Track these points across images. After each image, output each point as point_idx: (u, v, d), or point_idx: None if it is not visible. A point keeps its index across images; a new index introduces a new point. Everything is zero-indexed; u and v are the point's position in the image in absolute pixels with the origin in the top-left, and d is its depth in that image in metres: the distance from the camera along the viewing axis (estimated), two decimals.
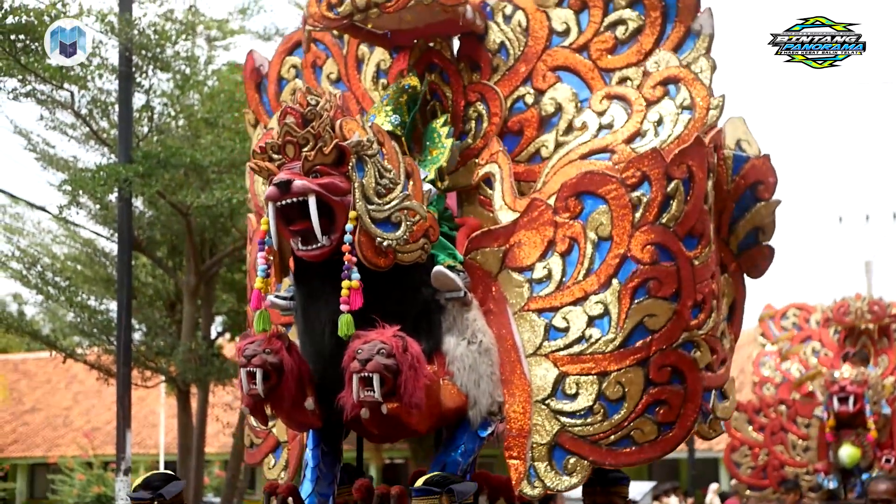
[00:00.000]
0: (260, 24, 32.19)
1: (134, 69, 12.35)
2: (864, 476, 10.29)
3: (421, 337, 4.35)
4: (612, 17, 5.01)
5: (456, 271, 4.63)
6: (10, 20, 10.91)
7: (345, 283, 4.20)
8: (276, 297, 4.70)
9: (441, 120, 5.07)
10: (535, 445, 4.59)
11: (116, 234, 12.81)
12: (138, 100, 12.83)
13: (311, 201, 4.18)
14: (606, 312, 4.54)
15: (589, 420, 4.54)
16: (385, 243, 4.27)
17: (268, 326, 4.38)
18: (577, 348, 4.57)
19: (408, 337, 4.18)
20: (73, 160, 14.12)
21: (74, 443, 23.69)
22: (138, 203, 13.74)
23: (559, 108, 5.01)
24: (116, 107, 12.52)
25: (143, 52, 12.34)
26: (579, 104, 4.98)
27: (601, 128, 4.87)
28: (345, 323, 4.18)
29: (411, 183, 4.44)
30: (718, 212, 5.09)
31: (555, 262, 4.66)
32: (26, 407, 26.56)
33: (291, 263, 4.48)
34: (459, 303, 4.64)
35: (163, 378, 14.89)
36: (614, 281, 4.55)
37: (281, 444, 5.33)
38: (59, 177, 13.99)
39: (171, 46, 12.81)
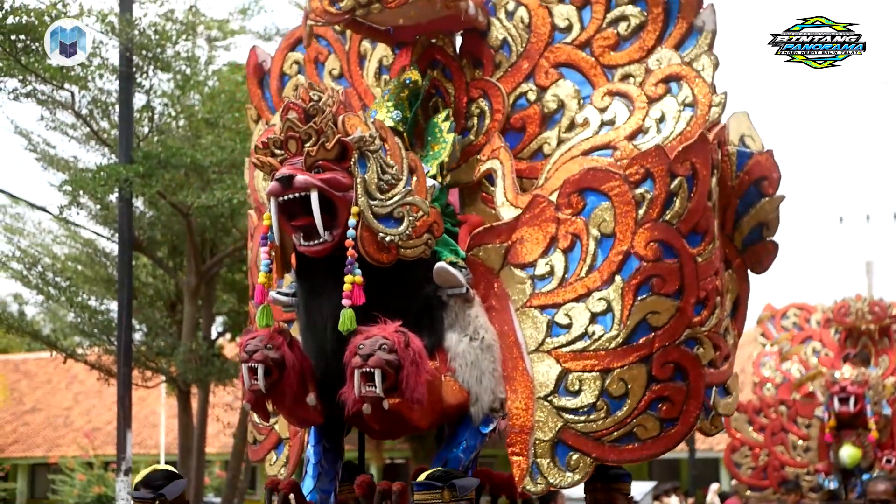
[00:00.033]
0: (260, 24, 32.32)
1: (134, 69, 12.36)
2: (865, 476, 10.27)
3: (423, 333, 4.33)
4: (615, 13, 4.99)
5: (458, 268, 4.61)
6: (10, 20, 10.93)
7: (347, 278, 4.18)
8: (279, 293, 4.68)
9: (443, 115, 5.04)
10: (537, 442, 4.57)
11: (117, 235, 12.83)
12: (139, 100, 12.84)
13: (314, 196, 4.16)
14: (609, 309, 4.52)
15: (592, 417, 4.52)
16: (387, 239, 4.25)
17: (271, 322, 4.36)
18: (579, 345, 4.55)
19: (410, 333, 4.16)
20: (73, 160, 14.15)
21: (75, 443, 23.72)
22: (139, 203, 13.75)
23: (561, 105, 4.99)
24: (117, 107, 12.54)
25: (144, 52, 12.35)
26: (581, 101, 4.96)
27: (603, 124, 4.85)
28: (346, 318, 4.16)
29: (415, 179, 4.42)
30: (722, 208, 5.08)
31: (557, 259, 4.65)
32: (27, 407, 26.59)
33: (293, 259, 4.47)
34: (461, 299, 4.62)
35: (163, 378, 14.89)
36: (617, 278, 4.53)
37: (283, 440, 5.31)
38: (59, 177, 14.02)
39: (171, 47, 12.82)
